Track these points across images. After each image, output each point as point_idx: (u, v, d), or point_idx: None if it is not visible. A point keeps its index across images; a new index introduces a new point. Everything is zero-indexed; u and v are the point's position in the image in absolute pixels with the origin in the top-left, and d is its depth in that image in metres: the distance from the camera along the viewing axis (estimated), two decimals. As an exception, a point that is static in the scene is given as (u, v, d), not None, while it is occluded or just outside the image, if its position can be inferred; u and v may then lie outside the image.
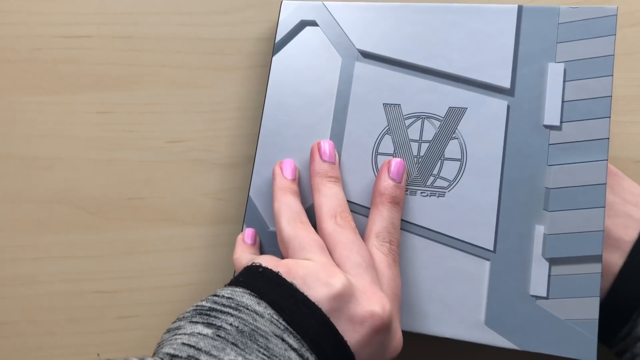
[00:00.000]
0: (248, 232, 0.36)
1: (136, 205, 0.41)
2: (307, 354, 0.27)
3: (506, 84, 0.35)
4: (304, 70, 0.38)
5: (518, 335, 0.32)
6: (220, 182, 0.41)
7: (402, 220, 0.35)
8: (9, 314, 0.40)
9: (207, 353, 0.25)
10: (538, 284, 0.32)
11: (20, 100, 0.42)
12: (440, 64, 0.36)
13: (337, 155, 0.36)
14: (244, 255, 0.35)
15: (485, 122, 0.35)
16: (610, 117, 0.33)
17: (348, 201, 0.35)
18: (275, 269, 0.29)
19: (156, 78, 0.42)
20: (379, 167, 0.35)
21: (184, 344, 0.26)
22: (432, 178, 0.35)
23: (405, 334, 0.32)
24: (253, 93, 0.42)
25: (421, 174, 0.35)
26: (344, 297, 0.28)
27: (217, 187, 0.41)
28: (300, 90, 0.37)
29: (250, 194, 0.37)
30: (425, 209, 0.34)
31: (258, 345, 0.26)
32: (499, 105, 0.34)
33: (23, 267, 0.41)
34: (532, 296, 0.32)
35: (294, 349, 0.27)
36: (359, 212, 0.35)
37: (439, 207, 0.34)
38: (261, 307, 0.28)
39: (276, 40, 0.38)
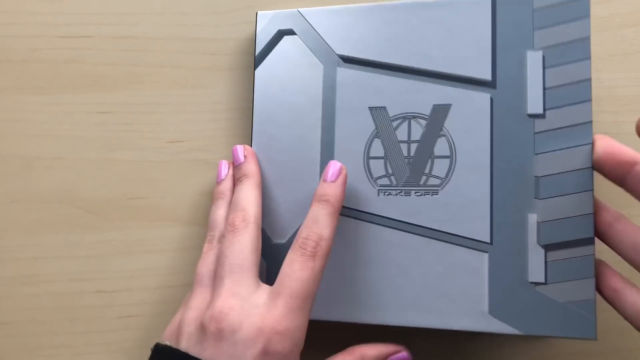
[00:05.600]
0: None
1: (136, 205, 0.41)
2: None
3: (487, 76, 0.35)
4: (287, 81, 0.38)
5: (521, 321, 0.33)
6: (220, 182, 0.41)
7: (400, 221, 0.35)
8: (9, 314, 0.40)
9: None
10: (536, 270, 0.33)
11: (20, 100, 0.42)
12: (421, 62, 0.36)
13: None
14: None
15: (470, 117, 0.35)
16: (591, 100, 0.33)
17: (344, 207, 0.36)
18: None
19: (156, 78, 0.42)
20: (372, 171, 0.36)
21: None
22: (424, 177, 0.35)
23: (414, 330, 0.33)
24: (252, 93, 0.42)
25: (413, 174, 0.35)
26: None
27: (217, 187, 0.41)
28: (286, 101, 0.38)
29: None
30: (420, 209, 0.35)
31: None
32: (482, 98, 0.35)
33: (23, 267, 0.41)
34: (532, 283, 0.33)
35: None
36: (357, 217, 0.36)
37: (434, 205, 0.35)
38: None
39: (256, 53, 0.38)
